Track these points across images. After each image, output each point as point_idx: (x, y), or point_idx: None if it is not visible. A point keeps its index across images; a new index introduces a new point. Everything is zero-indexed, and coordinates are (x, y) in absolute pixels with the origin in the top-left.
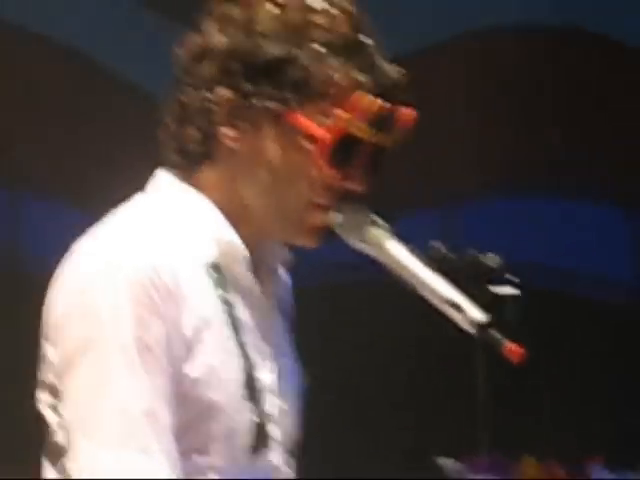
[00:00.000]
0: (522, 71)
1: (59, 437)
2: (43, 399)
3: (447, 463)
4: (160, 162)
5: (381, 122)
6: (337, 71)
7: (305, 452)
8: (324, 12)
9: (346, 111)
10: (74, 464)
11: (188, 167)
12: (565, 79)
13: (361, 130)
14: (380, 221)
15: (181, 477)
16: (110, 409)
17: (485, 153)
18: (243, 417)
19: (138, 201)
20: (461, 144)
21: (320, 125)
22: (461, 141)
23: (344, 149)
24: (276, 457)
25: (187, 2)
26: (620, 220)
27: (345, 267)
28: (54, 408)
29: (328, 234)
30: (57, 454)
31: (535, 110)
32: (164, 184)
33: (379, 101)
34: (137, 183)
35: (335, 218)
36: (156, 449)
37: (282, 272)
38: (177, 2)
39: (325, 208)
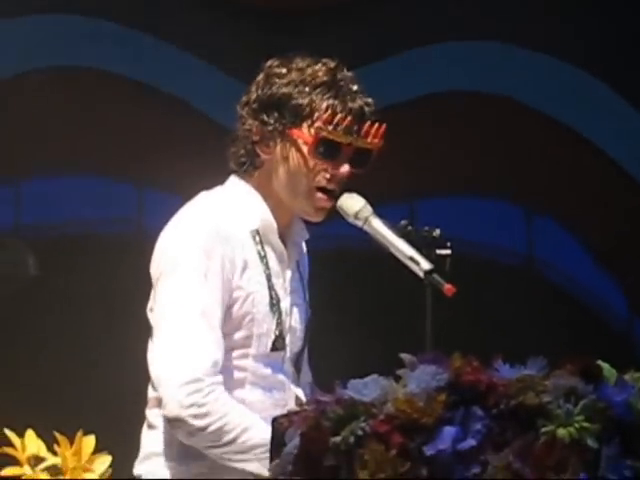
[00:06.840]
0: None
1: (152, 321)
2: (150, 299)
3: (406, 356)
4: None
5: (352, 130)
6: (315, 101)
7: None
8: (309, 67)
9: (322, 124)
10: (156, 335)
11: (245, 173)
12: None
13: (333, 135)
14: (367, 205)
15: (224, 356)
16: (182, 306)
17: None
18: (269, 326)
19: (216, 191)
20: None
21: (309, 135)
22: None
23: (326, 148)
24: (287, 354)
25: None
26: (520, 215)
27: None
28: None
29: (332, 213)
30: (151, 334)
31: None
32: (231, 183)
33: (340, 115)
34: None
35: (337, 202)
36: (206, 335)
37: (303, 245)
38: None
39: (329, 193)
